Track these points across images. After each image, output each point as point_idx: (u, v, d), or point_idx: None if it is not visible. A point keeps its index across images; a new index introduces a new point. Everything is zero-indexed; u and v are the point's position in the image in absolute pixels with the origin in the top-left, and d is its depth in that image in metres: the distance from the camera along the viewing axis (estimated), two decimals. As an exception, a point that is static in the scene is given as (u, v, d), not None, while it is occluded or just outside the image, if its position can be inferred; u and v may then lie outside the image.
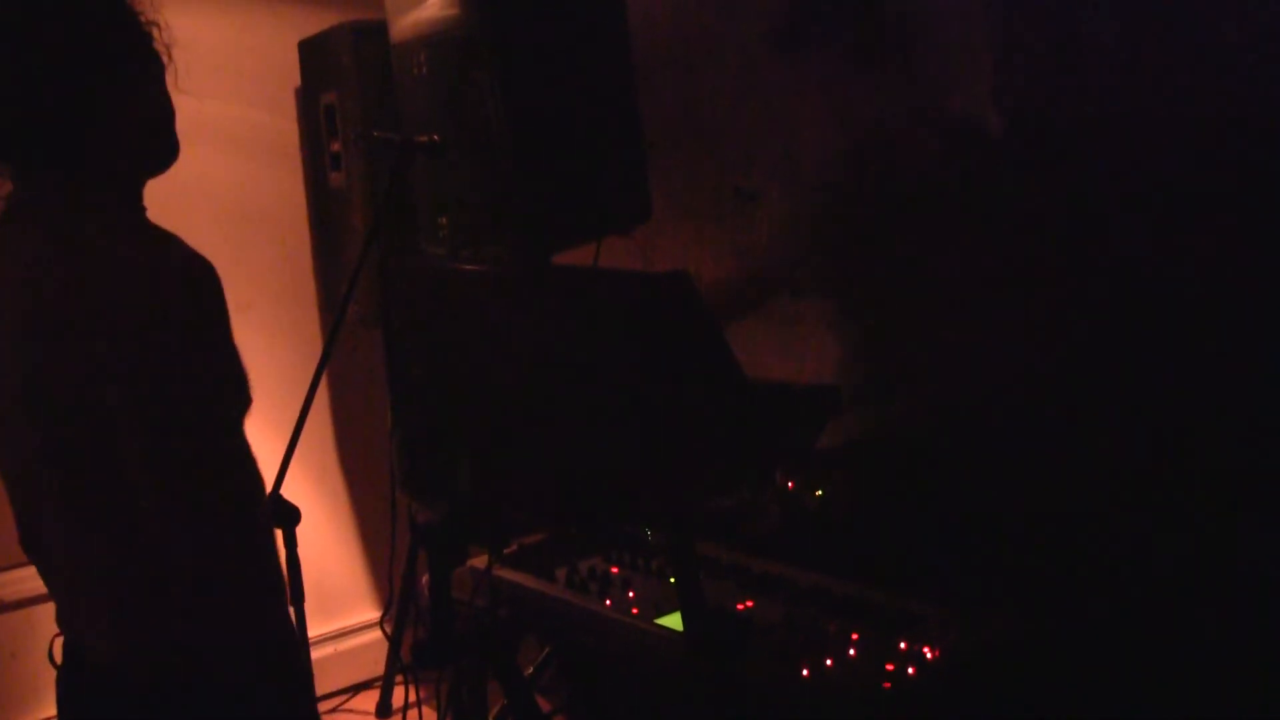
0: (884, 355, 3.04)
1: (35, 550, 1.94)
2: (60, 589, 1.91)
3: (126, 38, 1.82)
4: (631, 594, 2.55)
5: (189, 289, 1.71)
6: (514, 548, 2.81)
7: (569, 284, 2.42)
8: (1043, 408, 2.64)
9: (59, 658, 1.94)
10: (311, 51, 4.05)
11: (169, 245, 1.74)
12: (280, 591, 1.85)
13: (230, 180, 4.14)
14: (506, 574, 2.69)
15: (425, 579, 2.63)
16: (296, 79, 4.17)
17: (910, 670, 2.19)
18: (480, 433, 2.52)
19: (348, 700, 4.33)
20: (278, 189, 4.27)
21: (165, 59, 1.87)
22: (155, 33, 1.85)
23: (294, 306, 4.30)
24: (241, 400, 1.81)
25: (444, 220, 2.70)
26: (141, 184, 1.87)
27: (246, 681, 1.78)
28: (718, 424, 2.17)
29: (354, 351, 4.11)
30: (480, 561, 2.67)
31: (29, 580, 3.80)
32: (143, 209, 1.86)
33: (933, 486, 3.02)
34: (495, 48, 2.41)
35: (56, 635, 1.96)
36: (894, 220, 3.04)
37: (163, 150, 1.89)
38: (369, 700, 4.21)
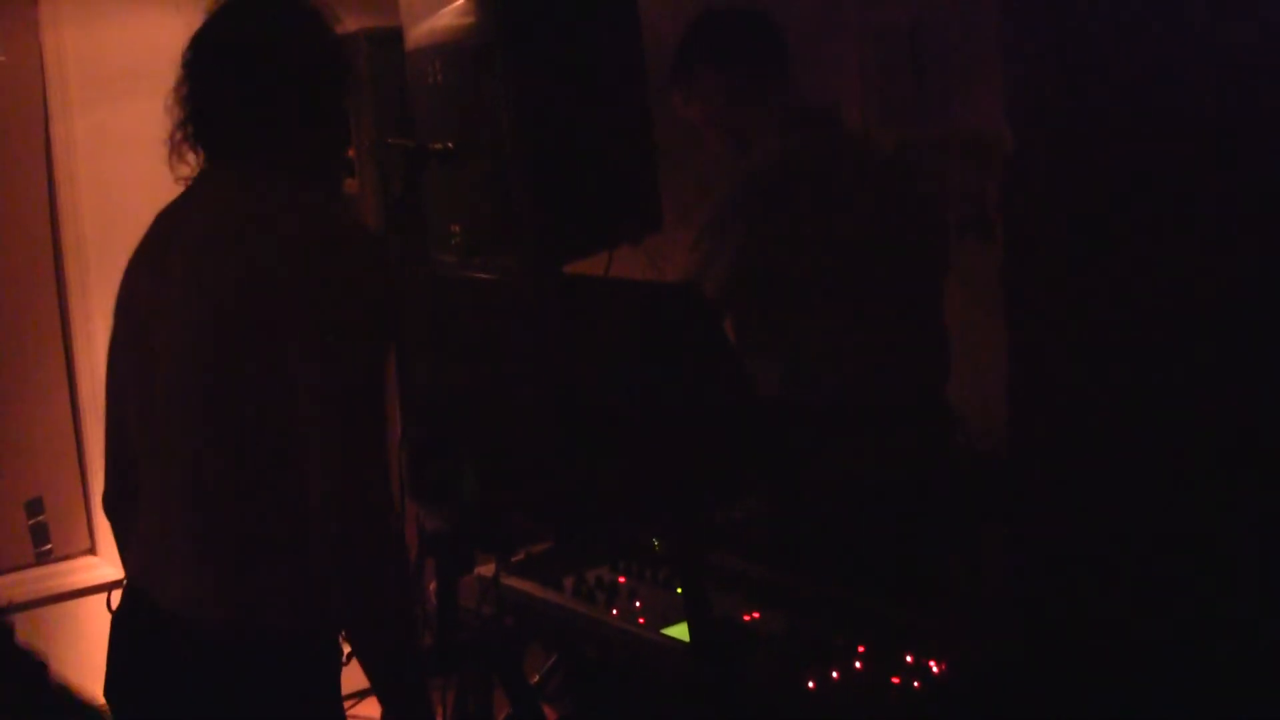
0: (892, 367, 3.04)
1: (120, 505, 2.12)
2: (146, 538, 2.04)
3: (322, 51, 2.06)
4: (638, 604, 2.55)
5: (374, 258, 1.94)
6: (521, 556, 2.81)
7: (580, 293, 2.42)
8: (1051, 418, 2.64)
9: (114, 605, 2.09)
10: (326, 58, 4.06)
11: (359, 225, 2.06)
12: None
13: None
14: (513, 582, 2.69)
15: (432, 586, 2.64)
16: (311, 85, 4.18)
17: (916, 684, 2.19)
18: (488, 441, 2.52)
19: (353, 706, 4.31)
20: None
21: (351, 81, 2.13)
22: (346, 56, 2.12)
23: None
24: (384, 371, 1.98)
25: (456, 228, 2.71)
26: (340, 182, 2.19)
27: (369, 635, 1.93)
28: (726, 435, 2.17)
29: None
30: (487, 570, 2.67)
31: (35, 582, 3.82)
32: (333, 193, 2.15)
33: (942, 499, 3.01)
34: (510, 57, 2.42)
35: (113, 585, 2.11)
36: (904, 232, 3.04)
37: (345, 165, 2.27)
38: (374, 707, 4.20)
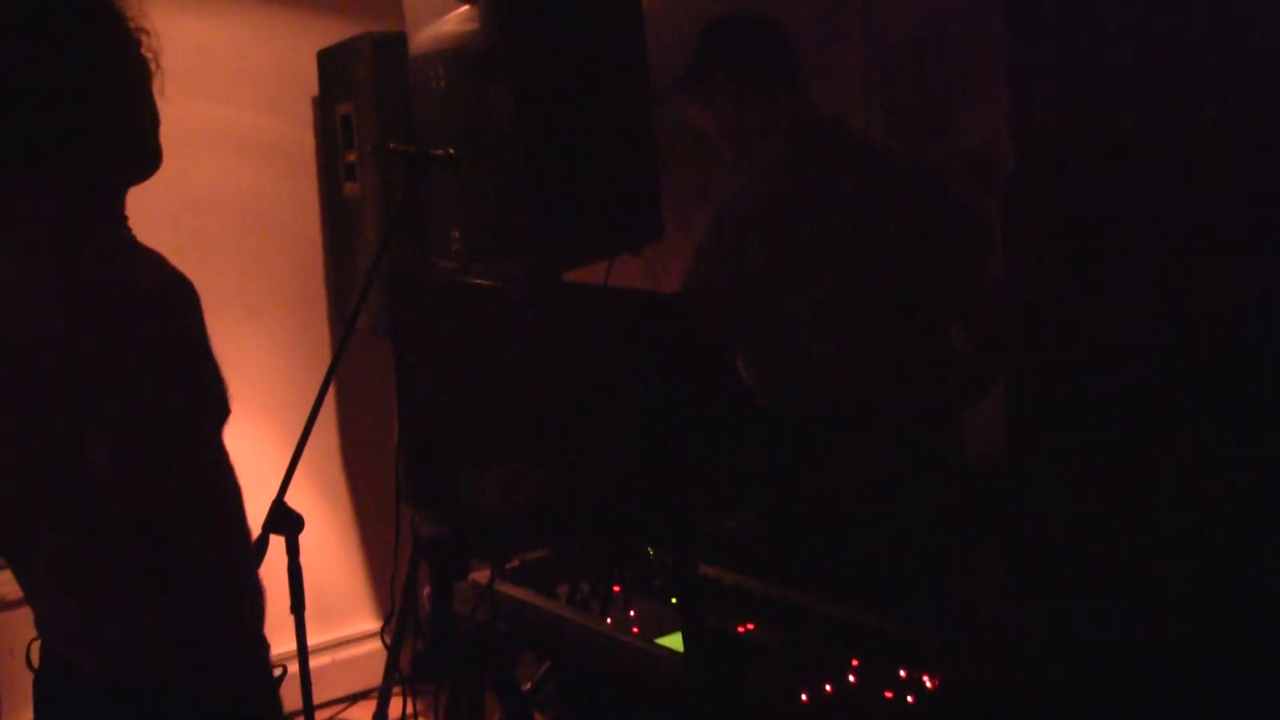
0: (890, 381, 3.04)
1: (10, 555, 1.92)
2: (38, 594, 1.90)
3: (109, 40, 1.78)
4: (633, 613, 2.55)
5: (165, 307, 1.69)
6: (516, 563, 2.81)
7: (579, 301, 2.42)
8: (1049, 432, 2.64)
9: (36, 661, 1.94)
10: (330, 62, 4.06)
11: (146, 262, 1.72)
12: (254, 594, 1.83)
13: (245, 187, 4.15)
14: (508, 589, 2.69)
15: (426, 591, 2.63)
16: (314, 88, 4.19)
17: (909, 698, 2.19)
18: (486, 447, 2.52)
19: (345, 709, 4.33)
20: (292, 197, 4.28)
21: (153, 65, 1.83)
22: (144, 39, 1.82)
23: (304, 314, 4.32)
24: (219, 412, 1.79)
25: (456, 234, 2.71)
26: (122, 192, 1.84)
27: (224, 687, 1.78)
28: (723, 445, 2.17)
29: (362, 361, 4.11)
30: (482, 575, 2.67)
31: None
32: (124, 219, 1.83)
33: (937, 513, 3.01)
34: (513, 64, 2.42)
35: (34, 639, 1.96)
36: (903, 245, 3.04)
37: (144, 158, 1.85)
38: (366, 710, 4.20)
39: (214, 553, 1.74)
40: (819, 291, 2.96)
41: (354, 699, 4.36)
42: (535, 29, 2.44)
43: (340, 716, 4.27)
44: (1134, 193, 2.45)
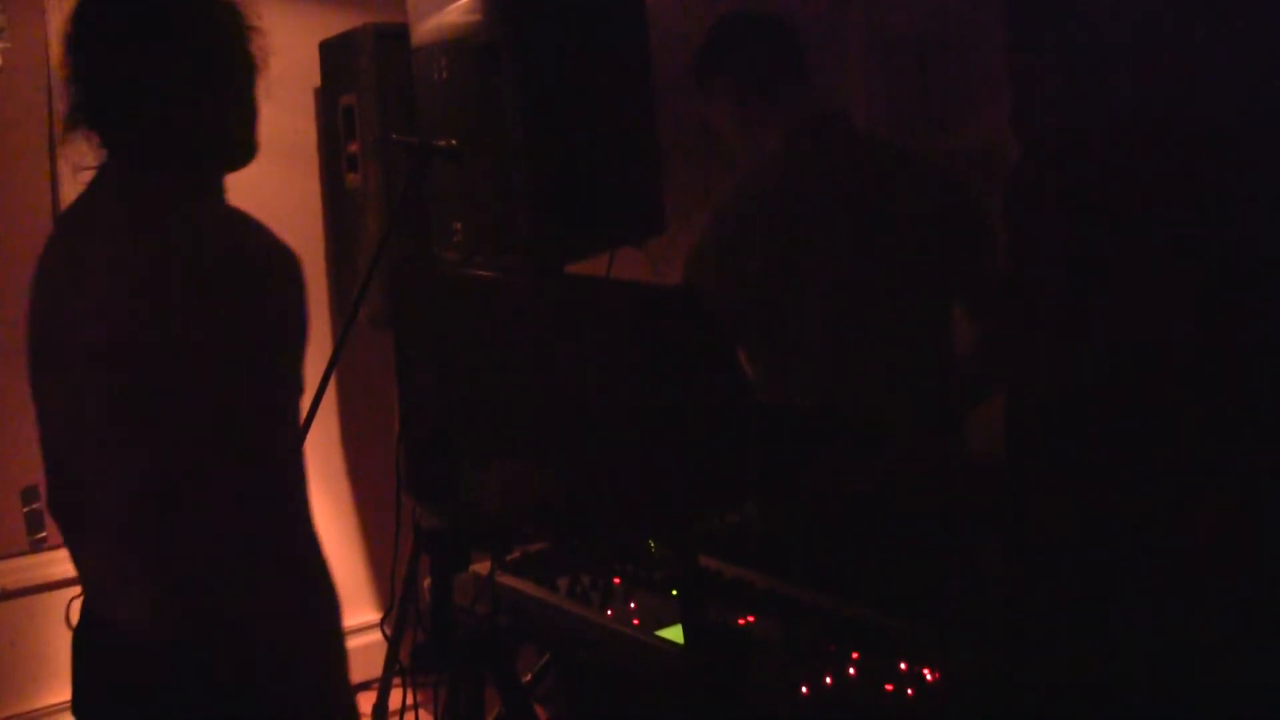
0: (889, 376, 3.04)
1: (63, 506, 2.01)
2: (92, 552, 1.95)
3: (224, 36, 1.93)
4: (633, 605, 2.55)
5: (271, 272, 1.80)
6: (517, 555, 2.81)
7: (581, 294, 2.42)
8: (1050, 427, 2.64)
9: (74, 620, 2.00)
10: (332, 52, 4.06)
11: (257, 229, 1.83)
12: (324, 577, 1.94)
13: (246, 178, 4.12)
14: (508, 581, 2.69)
15: (427, 583, 2.64)
16: (316, 79, 4.19)
17: (909, 691, 2.19)
18: (487, 439, 2.52)
19: (344, 702, 4.32)
20: (293, 188, 4.28)
21: (261, 63, 1.99)
22: (255, 36, 1.98)
23: (305, 306, 4.31)
24: (299, 386, 1.89)
25: (458, 226, 2.71)
26: (221, 178, 1.97)
27: (275, 656, 1.81)
28: (725, 440, 2.17)
29: (363, 353, 4.11)
30: (482, 567, 2.67)
31: (29, 569, 3.83)
32: (224, 197, 1.97)
33: (938, 508, 3.02)
34: (516, 55, 2.42)
35: (74, 598, 2.00)
36: (904, 244, 3.04)
37: (244, 148, 2.00)
38: (365, 702, 4.20)
39: (289, 527, 1.85)
40: (817, 289, 2.96)
41: (354, 690, 4.36)
42: (538, 20, 2.43)
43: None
44: (1137, 189, 2.45)
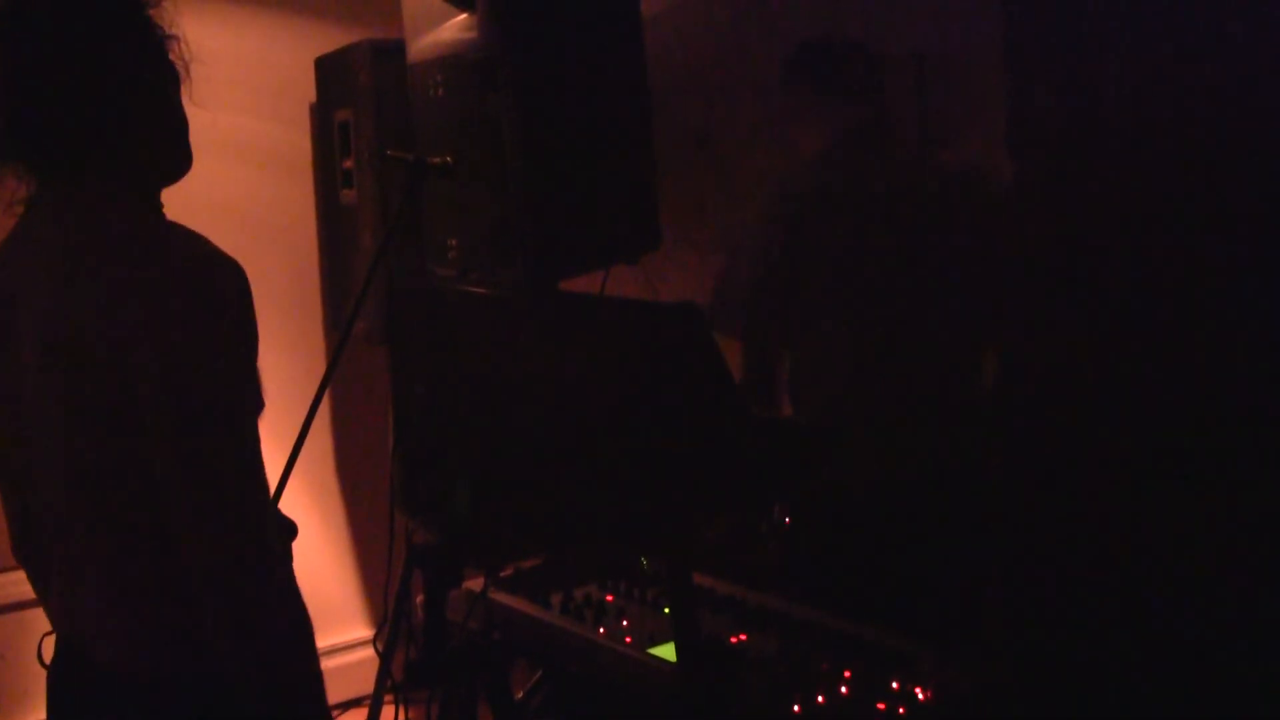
0: (883, 392, 3.04)
1: (29, 553, 1.97)
2: (61, 589, 1.91)
3: (146, 48, 1.86)
4: (625, 623, 2.55)
5: (217, 286, 1.75)
6: (510, 572, 2.81)
7: (576, 310, 2.42)
8: (1047, 442, 2.64)
9: (48, 657, 1.96)
10: (328, 68, 4.07)
11: (197, 242, 1.79)
12: (293, 597, 1.87)
13: (242, 193, 4.15)
14: (501, 597, 2.69)
15: (420, 599, 2.63)
16: (312, 95, 4.19)
17: (901, 710, 2.19)
18: (481, 455, 2.52)
19: (337, 717, 4.32)
20: (289, 204, 4.29)
21: (183, 72, 1.91)
22: (174, 45, 1.90)
23: (300, 321, 4.32)
24: (257, 404, 1.85)
25: (453, 242, 2.71)
26: (157, 191, 1.91)
27: (253, 686, 1.79)
28: (719, 457, 2.17)
29: (358, 368, 4.11)
30: (476, 584, 2.67)
31: (20, 584, 3.81)
32: (162, 211, 1.90)
33: (931, 526, 3.01)
34: (512, 72, 2.42)
35: (45, 634, 1.97)
36: (898, 259, 3.05)
37: (178, 159, 1.94)
38: (358, 717, 4.20)
39: (255, 549, 1.77)
40: (831, 288, 3.01)
41: (346, 706, 4.36)
42: (534, 37, 2.44)
43: (333, 723, 4.27)
44: (1132, 199, 2.46)
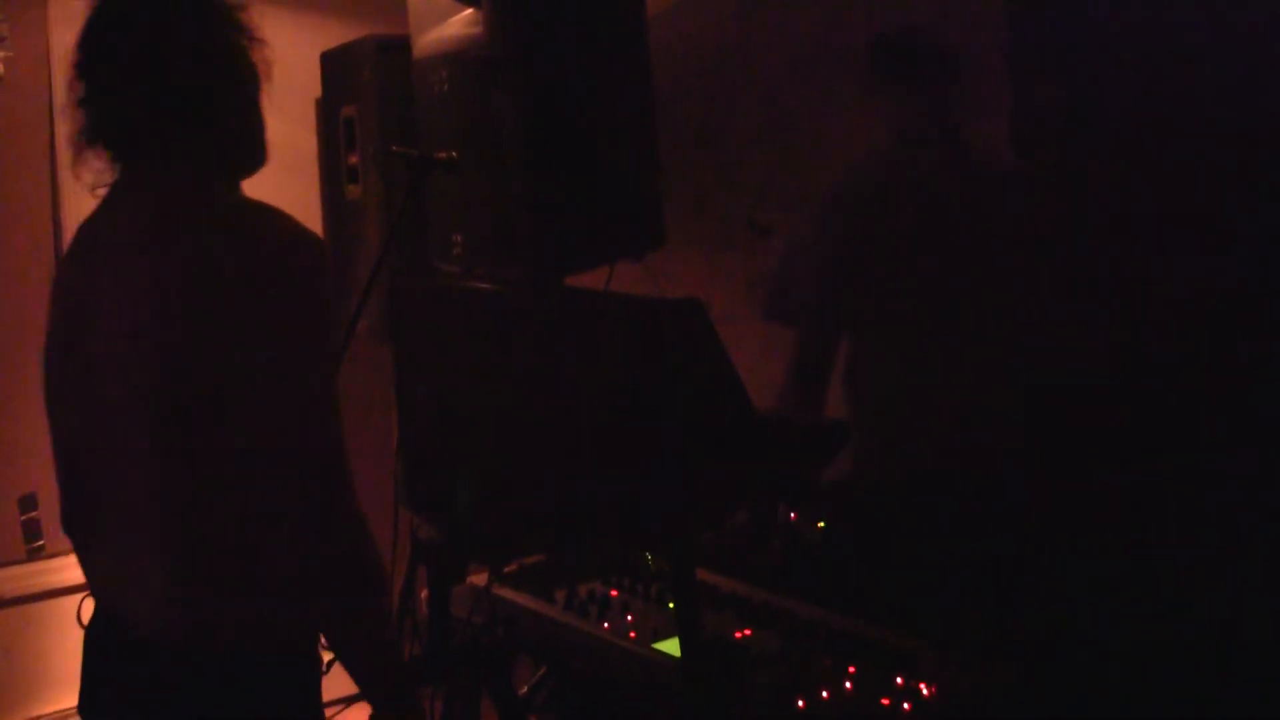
0: (892, 391, 3.04)
1: (79, 525, 2.04)
2: (111, 562, 1.98)
3: (236, 47, 1.97)
4: (630, 618, 2.55)
5: (312, 261, 1.86)
6: (514, 567, 2.81)
7: (580, 307, 2.43)
8: (1051, 439, 2.64)
9: (86, 619, 2.03)
10: (333, 64, 4.06)
11: (287, 219, 1.89)
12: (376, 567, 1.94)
13: (246, 187, 4.14)
14: (505, 593, 2.69)
15: (424, 594, 2.64)
16: (317, 90, 4.18)
17: (905, 706, 2.19)
18: (485, 451, 2.52)
19: (341, 712, 4.30)
20: (293, 199, 4.24)
21: (264, 73, 2.03)
22: (258, 48, 2.01)
23: (304, 317, 4.31)
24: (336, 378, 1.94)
25: (458, 238, 2.71)
26: (237, 185, 2.02)
27: (298, 662, 1.90)
28: (723, 453, 2.17)
29: (362, 364, 4.11)
30: (480, 579, 2.67)
31: (24, 578, 3.82)
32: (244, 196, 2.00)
33: (936, 524, 3.01)
34: (517, 68, 2.43)
35: (84, 597, 2.04)
36: (906, 255, 3.05)
37: (256, 154, 2.06)
38: (362, 713, 4.19)
39: (349, 489, 1.90)
40: (895, 278, 3.03)
41: (350, 701, 4.34)
42: (539, 33, 2.44)
43: (337, 718, 4.26)
44: (1134, 195, 2.46)
